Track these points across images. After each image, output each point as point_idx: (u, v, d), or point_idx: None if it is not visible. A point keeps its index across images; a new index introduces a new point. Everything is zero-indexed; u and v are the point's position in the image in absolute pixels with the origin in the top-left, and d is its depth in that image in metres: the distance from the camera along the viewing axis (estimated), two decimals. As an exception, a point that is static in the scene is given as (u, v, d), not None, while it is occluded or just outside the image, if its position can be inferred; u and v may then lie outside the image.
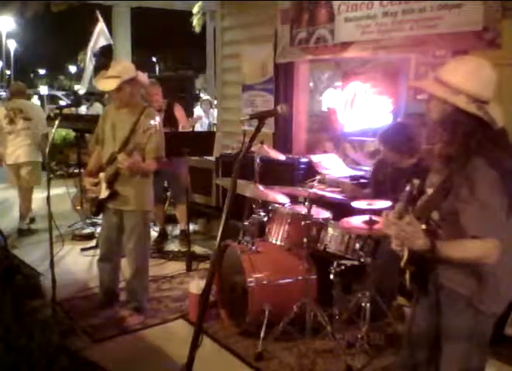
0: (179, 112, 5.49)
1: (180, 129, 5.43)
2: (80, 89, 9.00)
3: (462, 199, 1.88)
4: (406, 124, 3.79)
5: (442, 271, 2.03)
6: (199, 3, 9.55)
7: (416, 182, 1.92)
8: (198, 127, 8.57)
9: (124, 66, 3.67)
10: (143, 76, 3.75)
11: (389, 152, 3.55)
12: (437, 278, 2.06)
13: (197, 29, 10.35)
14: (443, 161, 2.03)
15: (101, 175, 3.70)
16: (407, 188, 1.90)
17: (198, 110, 9.51)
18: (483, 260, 1.88)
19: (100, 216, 3.96)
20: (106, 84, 3.56)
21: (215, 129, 9.20)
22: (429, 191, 2.03)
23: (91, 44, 8.68)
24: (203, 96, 12.02)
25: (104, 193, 3.67)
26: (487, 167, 1.85)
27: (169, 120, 5.34)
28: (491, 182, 1.85)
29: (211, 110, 9.71)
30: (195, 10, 9.78)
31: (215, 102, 8.81)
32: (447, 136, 1.96)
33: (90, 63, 8.84)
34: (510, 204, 1.88)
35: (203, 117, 9.24)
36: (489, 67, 1.95)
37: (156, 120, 3.55)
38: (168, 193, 6.09)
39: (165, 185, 5.86)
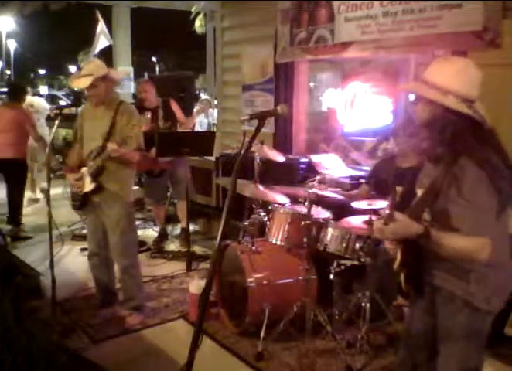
0: (174, 106, 5.52)
1: (179, 127, 5.44)
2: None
3: (451, 199, 1.89)
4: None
5: (437, 272, 2.04)
6: (197, 3, 9.49)
7: (399, 189, 1.94)
8: (198, 127, 8.56)
9: (95, 64, 3.78)
10: (115, 73, 3.90)
11: (405, 143, 3.51)
12: (432, 279, 2.07)
13: (198, 31, 10.30)
14: (432, 162, 2.04)
15: (83, 170, 3.72)
16: (390, 196, 1.91)
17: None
18: (475, 255, 1.88)
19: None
20: (80, 82, 3.67)
21: (215, 129, 9.19)
22: (419, 192, 2.04)
23: (94, 46, 8.69)
24: (203, 96, 12.00)
25: (88, 187, 3.69)
26: (475, 166, 1.86)
27: (168, 116, 5.37)
28: (478, 181, 1.85)
29: (210, 109, 9.69)
30: (193, 9, 9.71)
31: (215, 102, 8.79)
32: (435, 137, 1.97)
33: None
34: (500, 203, 1.88)
35: (206, 111, 9.18)
36: (474, 67, 1.96)
37: (136, 114, 3.72)
38: (169, 193, 6.09)
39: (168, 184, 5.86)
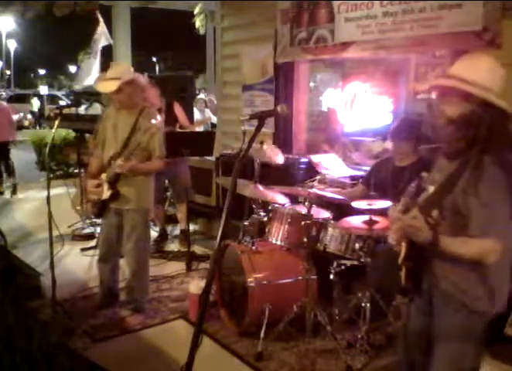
0: (178, 110, 5.52)
1: (178, 128, 5.45)
2: (77, 86, 9.05)
3: (465, 196, 1.88)
4: (414, 119, 3.87)
5: (438, 271, 2.04)
6: (201, 4, 9.50)
7: (425, 175, 1.93)
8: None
9: (123, 67, 3.79)
10: (142, 78, 3.79)
11: (403, 143, 3.54)
12: (432, 278, 2.06)
13: (201, 31, 10.30)
14: (448, 158, 2.02)
15: (103, 175, 3.72)
16: (415, 181, 1.91)
17: (197, 112, 9.47)
18: (483, 259, 1.88)
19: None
20: (106, 86, 3.62)
21: (209, 124, 9.21)
22: (430, 188, 2.03)
23: (92, 44, 8.70)
24: (202, 95, 12.01)
25: (106, 194, 3.69)
26: (494, 166, 1.85)
27: (170, 119, 5.36)
28: (498, 181, 1.85)
29: (206, 109, 9.70)
30: (196, 11, 9.71)
31: (215, 101, 8.79)
32: (464, 133, 1.93)
33: (87, 63, 8.84)
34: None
35: (210, 120, 9.21)
36: (499, 67, 1.99)
37: (157, 119, 3.65)
38: (168, 193, 6.09)
39: (166, 185, 5.86)
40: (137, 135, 3.58)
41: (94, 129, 3.90)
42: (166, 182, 5.73)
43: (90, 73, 8.90)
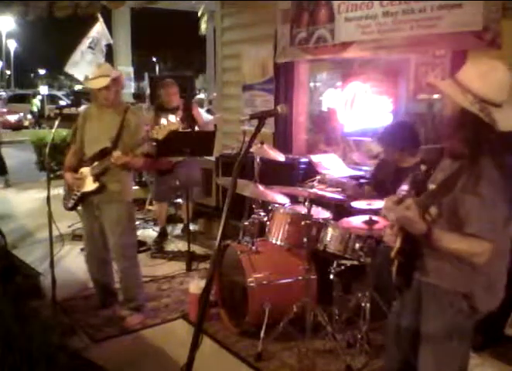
0: (195, 111, 5.57)
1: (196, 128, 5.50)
2: (69, 70, 8.94)
3: (464, 196, 1.89)
4: (405, 123, 3.82)
5: (430, 268, 2.04)
6: (203, 7, 9.52)
7: (423, 167, 1.95)
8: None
9: (108, 66, 3.88)
10: (122, 77, 3.95)
11: (388, 150, 3.55)
12: (422, 275, 2.07)
13: (204, 32, 10.34)
14: (451, 158, 2.03)
15: (84, 169, 3.71)
16: (413, 174, 1.92)
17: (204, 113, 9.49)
18: (473, 259, 1.89)
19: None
20: (98, 82, 3.65)
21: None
22: (431, 187, 2.04)
23: (95, 42, 8.69)
24: (202, 95, 12.02)
25: (91, 186, 3.68)
26: (494, 169, 1.86)
27: (187, 118, 5.39)
28: (495, 182, 1.86)
29: (200, 109, 9.72)
30: (200, 13, 9.74)
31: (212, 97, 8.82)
32: (455, 133, 1.98)
33: (87, 53, 8.80)
34: (510, 209, 1.88)
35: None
36: (503, 70, 1.95)
37: (141, 118, 3.79)
38: (178, 196, 6.06)
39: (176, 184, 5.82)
40: (126, 133, 3.63)
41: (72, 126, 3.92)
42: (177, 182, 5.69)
43: (90, 66, 8.87)
